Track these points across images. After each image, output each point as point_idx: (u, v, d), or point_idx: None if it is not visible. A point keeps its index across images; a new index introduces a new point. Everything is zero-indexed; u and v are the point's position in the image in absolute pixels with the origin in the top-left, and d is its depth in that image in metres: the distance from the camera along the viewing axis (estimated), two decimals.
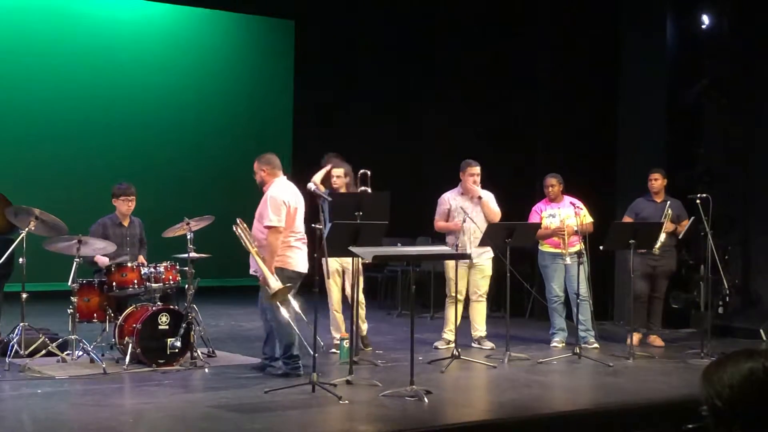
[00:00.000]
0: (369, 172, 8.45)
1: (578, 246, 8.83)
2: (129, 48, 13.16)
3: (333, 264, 8.05)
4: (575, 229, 8.79)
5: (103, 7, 13.16)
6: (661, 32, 10.99)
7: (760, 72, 10.52)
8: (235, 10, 13.92)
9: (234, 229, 7.04)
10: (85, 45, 12.88)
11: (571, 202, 9.03)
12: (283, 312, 6.89)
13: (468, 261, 8.63)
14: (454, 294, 8.68)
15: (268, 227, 7.02)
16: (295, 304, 6.94)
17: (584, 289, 8.86)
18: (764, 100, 10.49)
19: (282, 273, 7.03)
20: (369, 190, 8.36)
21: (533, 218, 9.12)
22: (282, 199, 7.09)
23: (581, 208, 8.95)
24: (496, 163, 12.19)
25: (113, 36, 13.08)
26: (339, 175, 8.54)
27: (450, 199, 8.93)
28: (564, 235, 8.88)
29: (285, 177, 7.39)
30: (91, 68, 12.84)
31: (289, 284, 6.91)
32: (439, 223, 9.00)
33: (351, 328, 7.70)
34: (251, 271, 7.22)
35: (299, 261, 7.20)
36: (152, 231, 8.36)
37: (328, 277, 7.25)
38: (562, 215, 9.00)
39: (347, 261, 8.18)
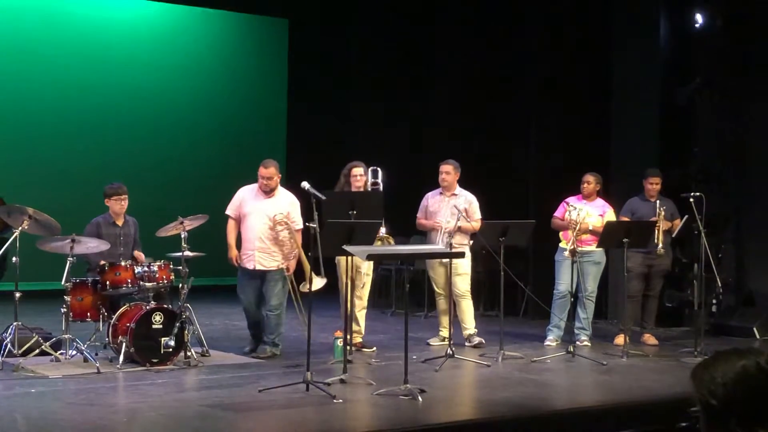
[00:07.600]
0: (379, 169, 8.60)
1: (593, 245, 8.88)
2: (122, 47, 13.12)
3: (343, 263, 8.00)
4: (590, 227, 8.81)
5: (97, 6, 13.12)
6: (655, 31, 11.00)
7: (753, 71, 10.54)
8: (229, 9, 13.89)
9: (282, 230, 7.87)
10: (78, 44, 12.84)
11: (602, 204, 9.08)
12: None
13: (445, 260, 8.68)
14: (438, 291, 8.91)
15: (300, 229, 7.92)
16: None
17: (592, 288, 8.93)
18: (757, 98, 10.51)
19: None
20: (380, 186, 8.51)
21: (560, 210, 9.13)
22: None
23: (606, 211, 9.00)
24: (489, 163, 12.20)
25: (107, 35, 13.04)
26: (361, 174, 8.49)
27: (429, 197, 9.02)
28: (575, 229, 8.78)
29: None
30: (85, 67, 12.80)
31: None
32: (420, 221, 9.08)
33: (345, 326, 7.68)
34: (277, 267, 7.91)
35: None
36: (146, 230, 8.33)
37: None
38: (584, 212, 8.89)
39: (357, 260, 7.98)
